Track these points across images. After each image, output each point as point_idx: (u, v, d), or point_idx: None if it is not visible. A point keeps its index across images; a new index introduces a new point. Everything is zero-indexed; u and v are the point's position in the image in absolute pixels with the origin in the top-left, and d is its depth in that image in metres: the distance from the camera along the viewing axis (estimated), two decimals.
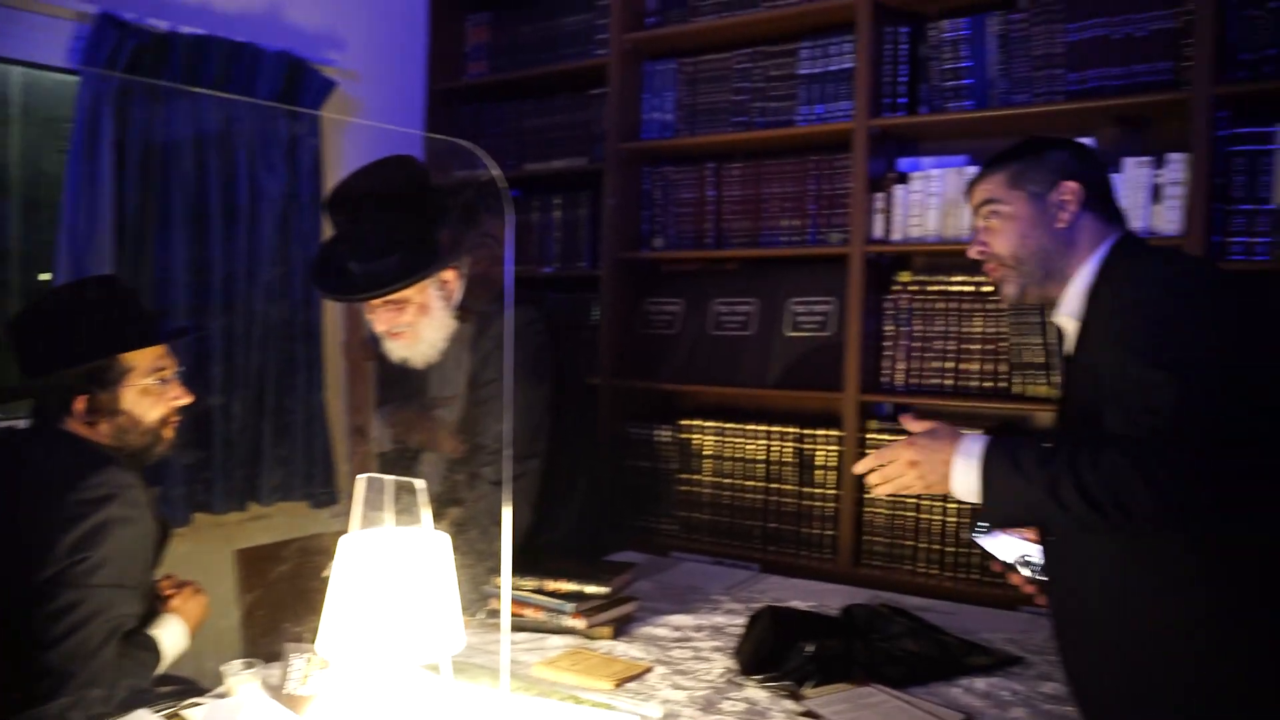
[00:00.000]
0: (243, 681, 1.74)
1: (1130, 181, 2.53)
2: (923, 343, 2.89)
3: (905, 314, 2.92)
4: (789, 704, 1.84)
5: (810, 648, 1.95)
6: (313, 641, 1.72)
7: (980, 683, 1.96)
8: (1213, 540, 1.50)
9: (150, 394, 1.92)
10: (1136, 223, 2.51)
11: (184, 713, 1.70)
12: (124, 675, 1.76)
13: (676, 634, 2.23)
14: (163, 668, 1.89)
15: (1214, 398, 1.43)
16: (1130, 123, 2.65)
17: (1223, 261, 2.44)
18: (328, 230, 3.09)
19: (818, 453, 3.01)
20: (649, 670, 2.00)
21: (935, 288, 2.89)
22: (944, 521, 2.82)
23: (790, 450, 3.06)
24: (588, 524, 2.63)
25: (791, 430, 3.06)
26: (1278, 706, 1.47)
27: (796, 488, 3.05)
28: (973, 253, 1.82)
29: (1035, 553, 1.85)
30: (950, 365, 2.84)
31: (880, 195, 2.92)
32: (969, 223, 2.78)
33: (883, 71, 2.90)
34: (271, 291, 3.02)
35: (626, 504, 3.36)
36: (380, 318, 2.28)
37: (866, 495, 2.93)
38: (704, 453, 3.21)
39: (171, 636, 1.91)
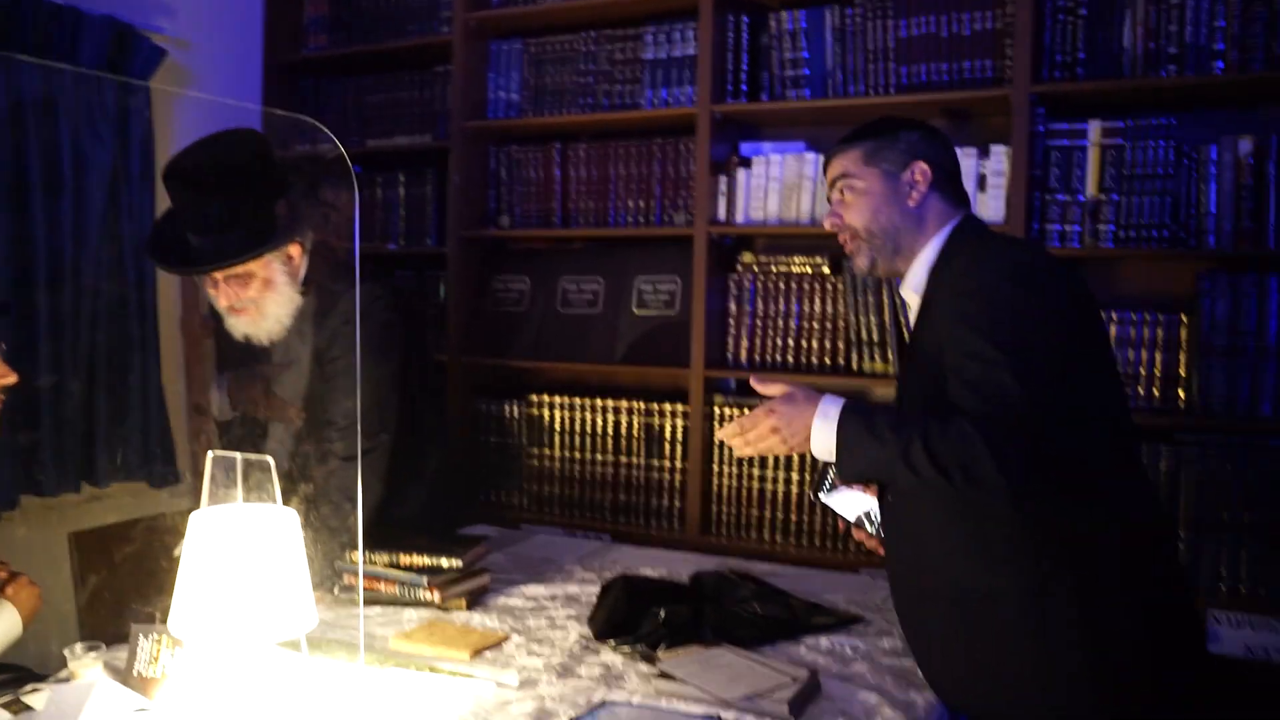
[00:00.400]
0: (86, 665, 1.69)
1: None
2: (765, 320, 3.00)
3: (748, 293, 3.03)
4: (643, 666, 1.90)
5: (662, 613, 2.01)
6: (159, 622, 1.69)
7: (824, 641, 2.06)
8: (1029, 514, 1.63)
9: None
10: None
11: (25, 699, 1.63)
12: None
13: (531, 604, 2.27)
14: None
15: (1047, 379, 1.55)
16: (957, 115, 2.82)
17: None
18: (161, 205, 2.99)
19: (665, 426, 3.09)
20: (505, 639, 2.03)
21: (777, 268, 3.01)
22: (787, 490, 2.95)
23: (638, 424, 3.13)
24: (439, 499, 2.64)
25: (639, 405, 3.13)
26: (1082, 663, 1.61)
27: (645, 460, 3.12)
28: (827, 224, 1.91)
29: (876, 508, 1.97)
30: (791, 342, 2.97)
31: (723, 178, 3.01)
32: (809, 207, 2.91)
33: (725, 59, 2.98)
34: (103, 267, 2.88)
35: (477, 479, 3.37)
36: (223, 293, 2.21)
37: (714, 466, 3.03)
38: (554, 427, 3.25)
39: (4, 624, 1.83)
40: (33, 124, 2.76)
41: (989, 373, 1.55)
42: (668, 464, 3.10)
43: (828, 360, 2.93)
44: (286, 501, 1.58)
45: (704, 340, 2.99)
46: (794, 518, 2.94)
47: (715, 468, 3.04)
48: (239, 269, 2.18)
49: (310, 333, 2.33)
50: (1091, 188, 2.59)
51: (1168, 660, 1.65)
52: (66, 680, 1.68)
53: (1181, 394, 2.59)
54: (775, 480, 2.96)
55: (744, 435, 1.76)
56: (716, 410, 3.03)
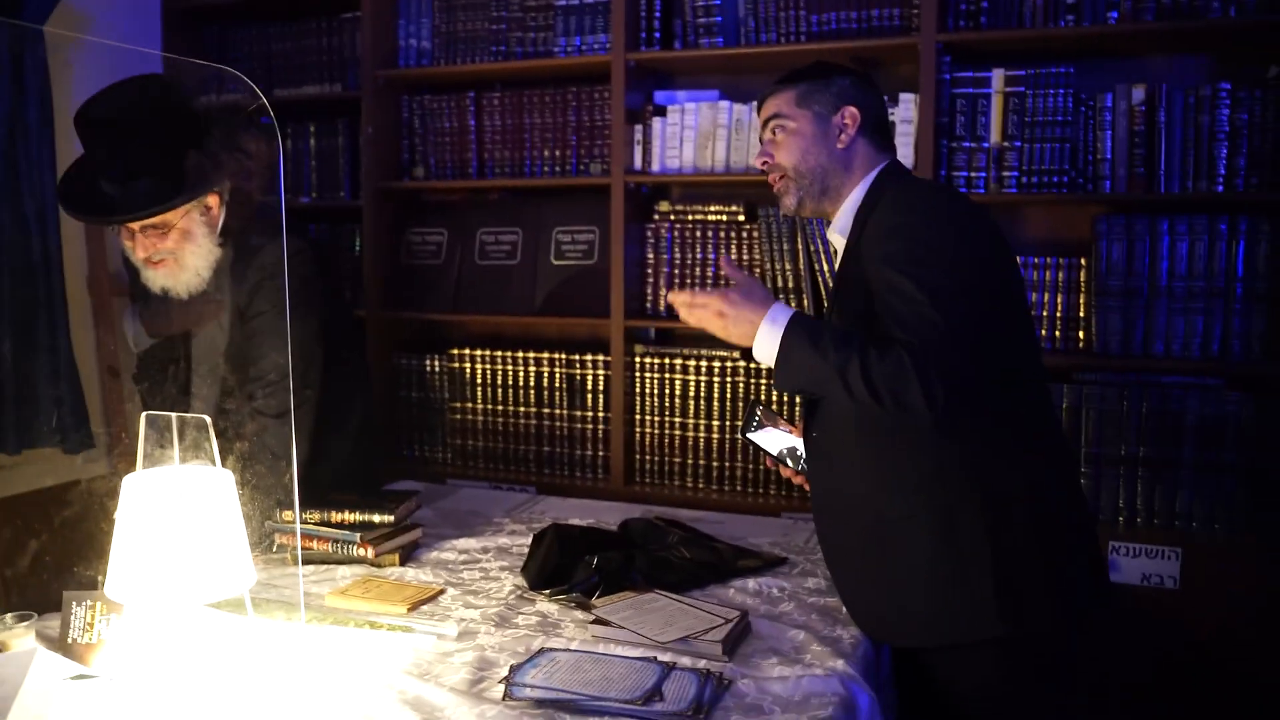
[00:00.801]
0: (18, 635, 1.66)
1: None
2: (683, 269, 3.04)
3: (665, 242, 3.06)
4: (578, 614, 1.95)
5: (595, 561, 2.06)
6: (91, 588, 1.68)
7: (752, 583, 2.12)
8: (941, 443, 1.72)
9: None
10: None
11: None
12: None
13: (464, 557, 2.30)
14: None
15: (966, 314, 1.63)
16: (867, 64, 2.86)
17: None
18: (63, 157, 2.89)
19: (587, 377, 3.13)
20: (441, 593, 2.06)
21: (693, 217, 3.05)
22: (709, 437, 3.01)
23: (560, 375, 3.16)
24: (363, 455, 2.64)
25: (560, 356, 3.15)
26: (988, 583, 1.71)
27: (568, 411, 3.16)
28: (758, 162, 1.95)
29: (800, 445, 2.05)
30: (700, 287, 3.00)
31: (639, 127, 3.03)
32: (724, 155, 2.95)
33: (639, 6, 2.98)
34: (3, 224, 2.78)
35: (400, 434, 3.37)
36: (140, 244, 2.15)
37: (636, 416, 3.08)
38: (475, 381, 3.26)
39: None
40: None
41: (914, 309, 1.62)
42: (590, 414, 3.14)
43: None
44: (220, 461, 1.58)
45: (623, 290, 3.02)
46: (716, 464, 3.01)
47: (638, 417, 3.09)
48: (156, 219, 2.12)
49: (227, 287, 2.29)
50: (995, 135, 2.68)
51: (1069, 582, 1.76)
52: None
53: (1081, 335, 2.72)
54: (697, 428, 3.02)
55: (691, 306, 1.80)
56: (637, 360, 3.07)
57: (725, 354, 2.97)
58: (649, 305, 3.09)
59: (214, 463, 1.56)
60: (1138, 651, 2.61)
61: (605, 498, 2.94)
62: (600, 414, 3.13)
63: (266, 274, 2.27)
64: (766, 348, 1.72)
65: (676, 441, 3.05)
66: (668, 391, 3.05)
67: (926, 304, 1.61)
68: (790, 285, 2.91)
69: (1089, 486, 2.67)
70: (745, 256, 2.98)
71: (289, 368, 2.14)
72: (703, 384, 3.01)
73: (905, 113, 2.73)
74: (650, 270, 3.09)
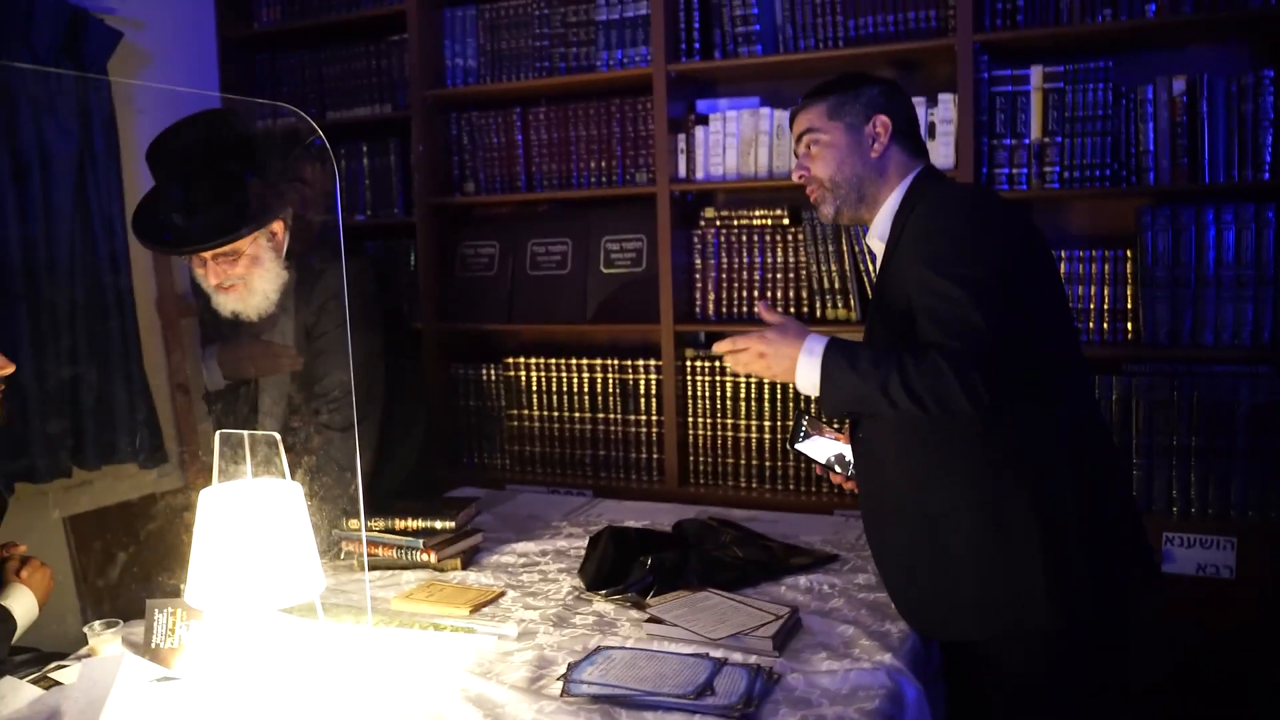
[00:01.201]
0: (106, 641, 1.77)
1: None
2: (730, 273, 3.09)
3: (712, 247, 3.11)
4: (634, 613, 2.01)
5: (649, 561, 2.12)
6: (173, 596, 1.77)
7: (803, 580, 2.17)
8: (986, 436, 1.76)
9: None
10: None
11: (53, 675, 1.72)
12: None
13: (523, 560, 2.38)
14: (16, 638, 1.89)
15: (1005, 312, 1.67)
16: (905, 66, 2.90)
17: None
18: (129, 185, 3.02)
19: (640, 381, 3.19)
20: (501, 595, 2.14)
21: (738, 222, 3.10)
22: (760, 438, 3.06)
23: (613, 381, 3.23)
24: (424, 463, 2.73)
25: (613, 362, 3.22)
26: (1036, 572, 1.74)
27: (621, 416, 3.22)
28: (795, 176, 2.01)
29: (847, 452, 2.10)
30: (756, 293, 3.06)
31: (682, 136, 3.09)
32: (766, 161, 2.99)
33: (677, 17, 3.04)
34: (77, 253, 2.91)
35: (459, 443, 3.46)
36: (212, 271, 2.27)
37: (689, 418, 3.14)
38: (530, 389, 3.34)
39: (22, 607, 1.91)
40: None
41: (954, 310, 1.67)
42: (644, 418, 3.20)
43: (792, 309, 3.03)
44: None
45: (672, 295, 3.08)
46: (768, 464, 3.06)
47: (690, 419, 3.14)
48: (227, 247, 2.24)
49: (294, 307, 2.40)
50: (1036, 131, 2.69)
51: (1117, 571, 1.78)
52: (88, 656, 1.77)
53: (1130, 326, 2.72)
54: (749, 429, 3.07)
55: (734, 353, 1.87)
56: (688, 364, 3.13)
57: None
58: (698, 310, 3.15)
59: (284, 476, 1.65)
60: (1193, 641, 2.61)
61: (661, 499, 3.00)
62: (654, 417, 3.19)
63: (331, 294, 2.37)
64: (808, 378, 1.77)
65: (729, 442, 3.10)
66: (719, 394, 3.10)
67: (966, 303, 1.65)
68: (836, 286, 2.95)
69: (1141, 478, 2.68)
70: (790, 259, 3.02)
71: (352, 384, 2.23)
72: (753, 386, 3.06)
73: (945, 113, 2.75)
74: (698, 275, 3.14)
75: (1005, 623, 1.78)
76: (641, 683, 1.65)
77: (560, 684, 1.68)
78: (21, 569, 1.95)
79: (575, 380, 3.28)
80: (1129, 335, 2.72)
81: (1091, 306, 2.74)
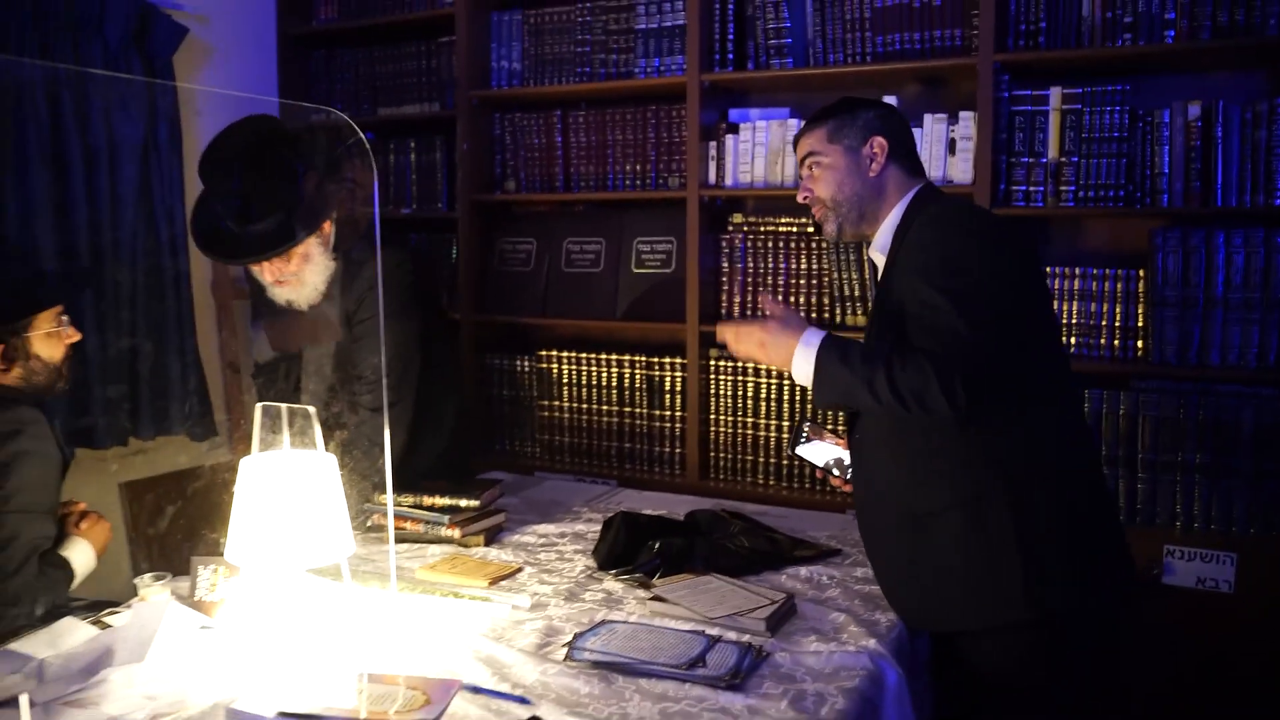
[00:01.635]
0: (155, 592, 1.93)
1: (929, 135, 2.89)
2: (755, 277, 3.21)
3: (739, 252, 3.23)
4: (640, 592, 2.14)
5: (656, 544, 2.25)
6: (215, 554, 1.93)
7: (804, 570, 2.28)
8: (968, 438, 1.87)
9: (53, 336, 2.06)
10: (935, 172, 2.88)
11: (106, 618, 1.89)
12: (42, 592, 1.93)
13: (542, 540, 2.51)
14: (74, 586, 2.06)
15: (988, 322, 1.78)
16: (932, 82, 3.00)
17: (1007, 208, 2.83)
18: (189, 175, 3.20)
19: (665, 378, 3.32)
20: (519, 570, 2.28)
21: (765, 229, 3.21)
22: (780, 437, 3.18)
23: (640, 377, 3.36)
24: (457, 447, 2.88)
25: (641, 359, 3.35)
26: (1014, 566, 1.84)
27: (647, 410, 3.35)
28: (800, 197, 2.13)
29: (845, 456, 2.21)
30: (779, 298, 3.17)
31: (713, 143, 3.21)
32: (792, 170, 3.11)
33: (713, 29, 3.16)
34: (139, 235, 3.10)
35: (493, 429, 3.61)
36: (267, 270, 2.45)
37: (711, 415, 3.26)
38: (562, 381, 3.48)
39: (80, 557, 2.08)
40: (69, 103, 2.96)
41: (939, 318, 1.78)
42: (668, 413, 3.33)
43: (813, 315, 3.14)
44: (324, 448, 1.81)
45: (698, 297, 3.21)
46: (786, 462, 3.17)
47: (712, 416, 3.27)
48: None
49: (339, 295, 2.56)
50: (1053, 151, 2.78)
51: (1092, 568, 1.89)
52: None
53: (1140, 344, 2.80)
54: (768, 428, 3.19)
55: (737, 336, 2.00)
56: (712, 363, 3.25)
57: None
58: (724, 311, 3.27)
59: (318, 448, 1.79)
60: (1190, 652, 2.68)
61: (681, 492, 3.13)
62: (677, 413, 3.31)
63: (370, 284, 2.53)
64: (803, 368, 1.90)
65: (749, 440, 3.22)
66: (740, 393, 3.22)
67: (950, 312, 1.76)
68: (855, 294, 3.06)
69: (1145, 491, 2.76)
70: (814, 266, 3.13)
71: (388, 368, 2.38)
72: (773, 386, 3.18)
73: (965, 130, 2.85)
74: (725, 278, 3.26)
75: (986, 616, 1.89)
76: (639, 653, 1.78)
77: (565, 650, 1.81)
78: (81, 522, 2.12)
79: (604, 374, 3.42)
80: (1139, 353, 2.80)
81: (1103, 323, 2.82)
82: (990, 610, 1.88)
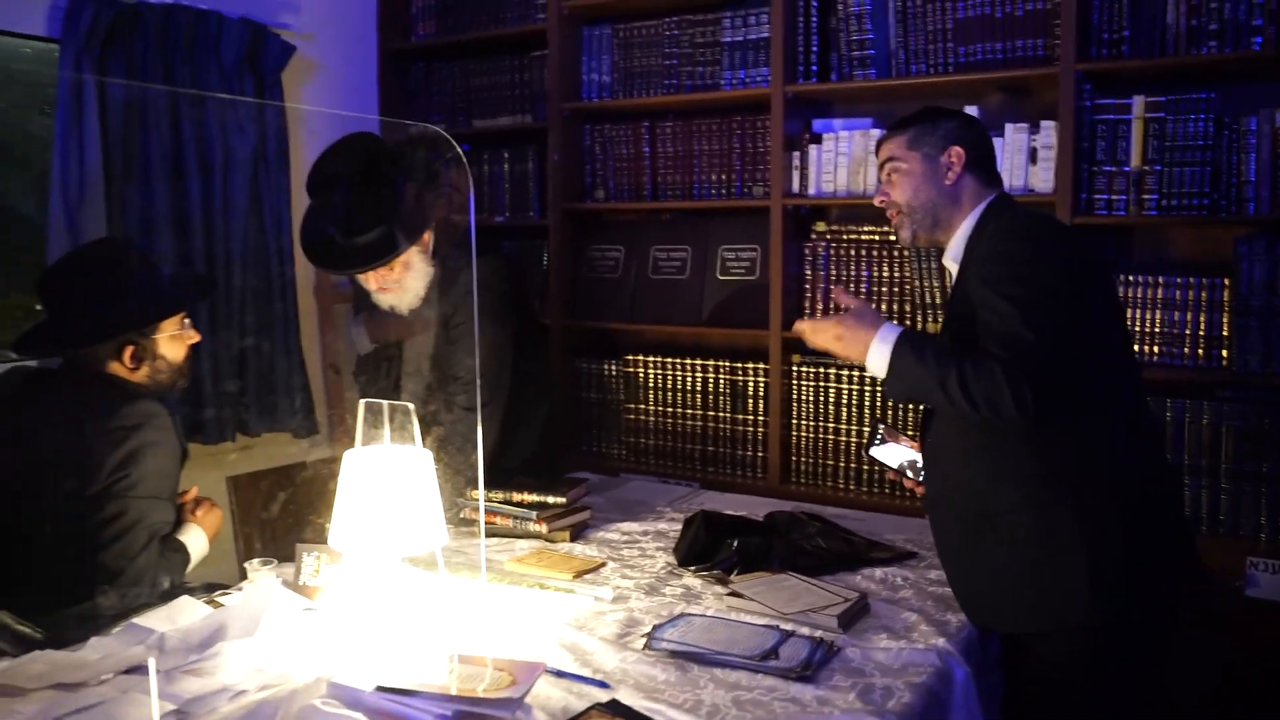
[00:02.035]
0: (262, 575, 2.08)
1: (1011, 145, 2.92)
2: (838, 285, 3.26)
3: (822, 260, 3.29)
4: (718, 588, 2.22)
5: (735, 542, 2.32)
6: (319, 542, 2.07)
7: (879, 572, 2.34)
8: (1036, 442, 1.91)
9: (177, 338, 2.23)
10: (1016, 182, 2.90)
11: (219, 599, 2.04)
12: (162, 572, 2.10)
13: (625, 537, 2.61)
14: (190, 568, 2.23)
15: (1054, 329, 1.83)
16: (1012, 91, 3.02)
17: (1089, 216, 2.84)
18: (297, 187, 3.38)
19: (748, 383, 3.39)
20: (603, 565, 2.38)
21: (848, 237, 3.27)
22: (860, 442, 3.22)
23: (724, 381, 3.44)
24: (547, 447, 3.00)
25: (724, 364, 3.44)
26: (1079, 569, 1.88)
27: (730, 415, 3.43)
28: (877, 200, 2.20)
29: (919, 459, 2.26)
30: None
31: (797, 153, 3.27)
32: (874, 180, 3.16)
33: (796, 41, 3.23)
34: (249, 243, 3.29)
35: (580, 431, 3.72)
36: (372, 278, 2.61)
37: (793, 420, 3.32)
38: (648, 385, 3.58)
39: (195, 542, 2.24)
40: (189, 122, 3.17)
41: (1007, 324, 1.83)
42: (750, 418, 3.40)
43: (895, 322, 3.17)
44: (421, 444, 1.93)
45: (781, 304, 3.27)
46: (866, 467, 3.22)
47: (794, 421, 3.33)
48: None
49: (437, 299, 2.70)
50: (1135, 159, 2.79)
51: (1158, 577, 1.91)
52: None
53: (1224, 353, 2.78)
54: (849, 433, 3.24)
55: (814, 330, 2.09)
56: (794, 369, 3.31)
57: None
58: (806, 318, 3.31)
59: (416, 443, 1.92)
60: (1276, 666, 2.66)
61: (762, 495, 3.19)
62: (759, 418, 3.38)
63: (467, 290, 2.66)
64: (878, 361, 1.96)
65: (829, 445, 3.27)
66: (822, 398, 3.28)
67: (1018, 320, 1.81)
68: (937, 302, 3.09)
69: (1228, 503, 2.74)
70: (896, 274, 3.17)
71: (481, 369, 2.51)
72: (854, 392, 3.23)
73: (1046, 139, 2.87)
74: (808, 286, 3.32)
75: (1051, 618, 1.93)
76: (715, 644, 1.86)
77: (644, 640, 1.90)
78: (196, 509, 2.29)
79: (689, 379, 3.50)
80: (1223, 362, 2.78)
81: (1186, 332, 2.81)
82: (1055, 613, 1.92)
